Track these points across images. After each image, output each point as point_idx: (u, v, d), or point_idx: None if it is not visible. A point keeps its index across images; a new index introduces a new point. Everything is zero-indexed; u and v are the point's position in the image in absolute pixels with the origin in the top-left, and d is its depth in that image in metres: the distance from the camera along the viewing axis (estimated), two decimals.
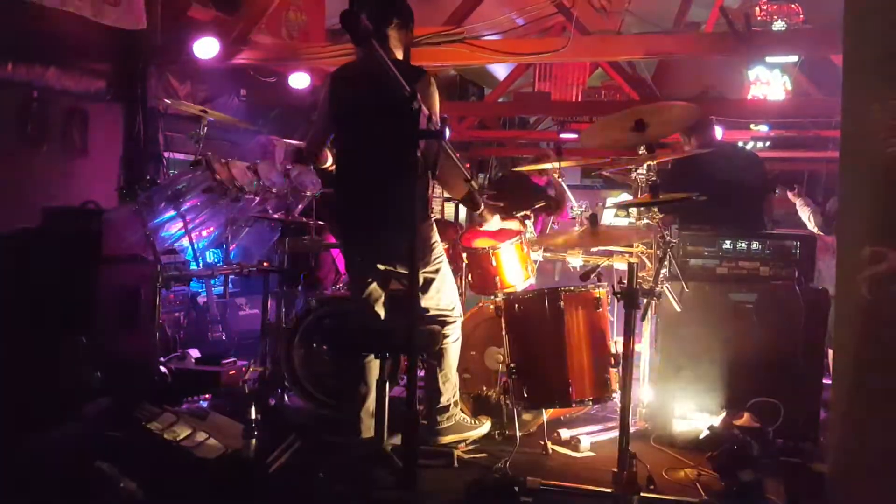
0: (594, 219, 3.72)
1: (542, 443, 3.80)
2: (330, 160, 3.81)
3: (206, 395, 4.49)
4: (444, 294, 3.72)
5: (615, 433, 3.74)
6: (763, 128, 9.68)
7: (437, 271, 3.68)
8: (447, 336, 3.72)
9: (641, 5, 5.47)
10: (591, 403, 3.97)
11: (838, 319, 2.71)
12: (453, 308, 3.77)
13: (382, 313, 3.75)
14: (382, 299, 3.76)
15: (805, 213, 6.61)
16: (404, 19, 3.60)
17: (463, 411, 3.92)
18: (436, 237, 3.70)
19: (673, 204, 3.78)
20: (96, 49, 5.56)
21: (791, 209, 7.03)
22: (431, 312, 3.68)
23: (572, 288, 3.86)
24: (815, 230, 6.44)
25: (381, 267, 3.64)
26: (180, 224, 4.09)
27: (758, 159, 5.24)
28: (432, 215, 3.79)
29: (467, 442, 3.80)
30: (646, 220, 3.95)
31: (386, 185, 3.44)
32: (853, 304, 2.53)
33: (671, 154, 4.57)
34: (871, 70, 2.49)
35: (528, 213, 4.40)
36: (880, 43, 2.48)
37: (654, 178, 3.83)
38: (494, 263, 4.05)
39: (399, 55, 3.62)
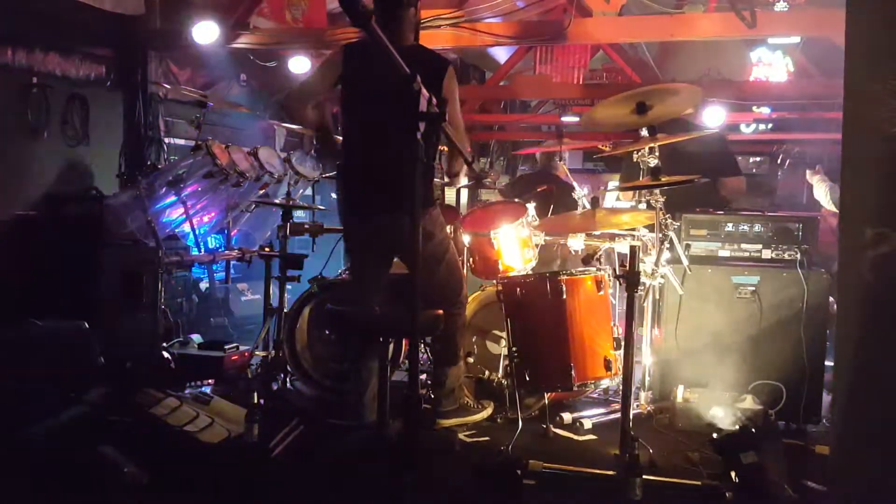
0: (596, 202, 3.71)
1: (545, 426, 3.81)
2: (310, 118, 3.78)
3: (209, 381, 4.51)
4: (451, 276, 3.72)
5: (617, 416, 3.76)
6: (765, 109, 9.63)
7: (445, 252, 3.68)
8: (451, 320, 3.72)
9: None
10: (592, 386, 3.98)
11: (840, 301, 2.71)
12: (459, 291, 3.78)
13: (384, 297, 3.75)
14: (384, 282, 3.75)
15: (822, 189, 6.49)
16: (416, 1, 3.58)
17: (466, 395, 3.93)
18: (441, 219, 3.70)
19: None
20: (96, 34, 5.54)
21: (795, 191, 6.98)
22: (438, 294, 3.68)
23: (574, 272, 3.86)
24: (832, 207, 6.33)
25: (385, 249, 3.64)
26: (181, 210, 4.09)
27: (718, 141, 5.11)
28: (437, 199, 3.79)
29: (470, 425, 3.82)
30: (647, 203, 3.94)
31: (391, 167, 3.43)
32: (855, 285, 2.53)
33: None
34: (874, 50, 2.48)
35: (528, 196, 4.40)
36: (883, 23, 2.46)
37: (656, 161, 3.81)
38: (496, 247, 4.05)
39: (411, 37, 3.60)
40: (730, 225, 4.11)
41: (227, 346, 4.74)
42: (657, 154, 3.66)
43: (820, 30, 5.63)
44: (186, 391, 4.12)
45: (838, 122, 2.91)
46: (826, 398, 3.88)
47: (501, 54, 10.18)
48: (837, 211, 5.89)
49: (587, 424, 3.85)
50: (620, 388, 3.83)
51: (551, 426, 3.82)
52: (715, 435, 3.37)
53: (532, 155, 6.62)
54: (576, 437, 3.79)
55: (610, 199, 9.09)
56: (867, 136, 2.50)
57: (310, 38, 6.26)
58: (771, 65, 9.73)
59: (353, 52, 3.59)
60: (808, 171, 6.72)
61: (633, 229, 4.02)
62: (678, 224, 4.12)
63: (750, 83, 9.16)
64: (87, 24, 5.43)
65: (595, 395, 4.39)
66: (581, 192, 4.36)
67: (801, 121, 9.78)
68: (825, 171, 6.69)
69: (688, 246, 4.09)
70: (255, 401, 3.43)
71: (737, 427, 3.34)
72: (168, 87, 5.77)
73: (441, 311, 3.56)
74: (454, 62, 10.21)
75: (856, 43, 2.54)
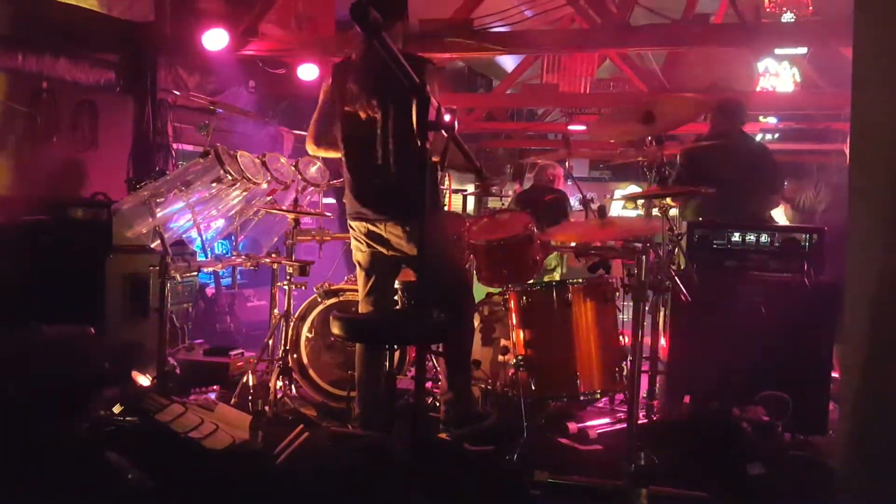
0: (602, 210, 3.71)
1: (550, 435, 3.79)
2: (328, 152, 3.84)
3: (214, 387, 4.51)
4: (457, 283, 3.72)
5: (623, 426, 3.75)
6: (772, 119, 9.64)
7: (451, 258, 3.69)
8: (458, 327, 3.72)
9: None
10: (599, 396, 3.96)
11: (847, 312, 2.69)
12: (466, 298, 3.77)
13: (391, 303, 3.76)
14: (391, 289, 3.76)
15: (779, 209, 6.51)
16: (405, 12, 3.60)
17: (471, 404, 3.92)
18: (445, 224, 3.71)
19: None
20: (106, 40, 5.57)
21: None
22: (445, 301, 3.67)
23: (580, 280, 3.86)
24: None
25: (390, 255, 3.64)
26: (189, 215, 4.09)
27: (767, 156, 5.15)
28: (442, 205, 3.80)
29: (475, 434, 3.80)
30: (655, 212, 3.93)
31: (396, 175, 3.45)
32: (862, 296, 2.52)
33: (679, 146, 4.56)
34: (882, 58, 2.47)
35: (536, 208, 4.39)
36: (890, 32, 2.46)
37: (663, 170, 3.81)
38: (502, 255, 4.03)
39: (399, 47, 3.62)
40: (737, 235, 4.10)
41: (232, 352, 4.74)
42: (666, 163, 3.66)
43: (827, 41, 5.62)
44: (191, 397, 4.12)
45: (845, 132, 2.91)
46: (833, 409, 3.86)
47: (509, 63, 10.21)
48: None
49: (593, 434, 3.83)
50: (627, 397, 3.82)
51: (557, 435, 3.80)
52: (722, 446, 3.36)
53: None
54: (581, 447, 3.77)
55: (616, 208, 9.06)
56: (875, 145, 2.49)
57: (318, 46, 6.30)
58: (778, 75, 9.75)
59: (343, 71, 3.63)
60: None
61: (641, 238, 4.01)
62: (685, 233, 4.11)
63: (757, 93, 9.16)
64: (98, 30, 5.46)
65: (601, 405, 4.37)
66: (577, 198, 4.35)
67: (808, 131, 9.78)
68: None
69: (695, 254, 4.08)
70: (260, 407, 3.43)
71: (744, 438, 3.32)
72: (177, 93, 5.79)
73: (451, 318, 3.57)
74: (461, 70, 10.27)
75: (863, 52, 2.54)
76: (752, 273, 4.05)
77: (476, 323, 4.16)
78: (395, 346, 3.39)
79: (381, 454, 3.31)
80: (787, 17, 8.77)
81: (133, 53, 5.81)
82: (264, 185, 4.38)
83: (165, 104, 6.00)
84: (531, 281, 4.05)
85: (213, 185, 4.14)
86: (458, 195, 6.28)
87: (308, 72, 6.41)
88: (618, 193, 10.64)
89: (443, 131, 2.35)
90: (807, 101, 8.81)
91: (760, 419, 3.65)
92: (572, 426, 3.92)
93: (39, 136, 5.12)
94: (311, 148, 3.86)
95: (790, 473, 3.37)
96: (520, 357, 3.79)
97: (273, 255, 4.53)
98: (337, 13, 7.42)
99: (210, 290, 6.17)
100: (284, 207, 4.49)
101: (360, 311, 3.82)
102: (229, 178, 4.11)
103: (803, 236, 4.06)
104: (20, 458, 3.18)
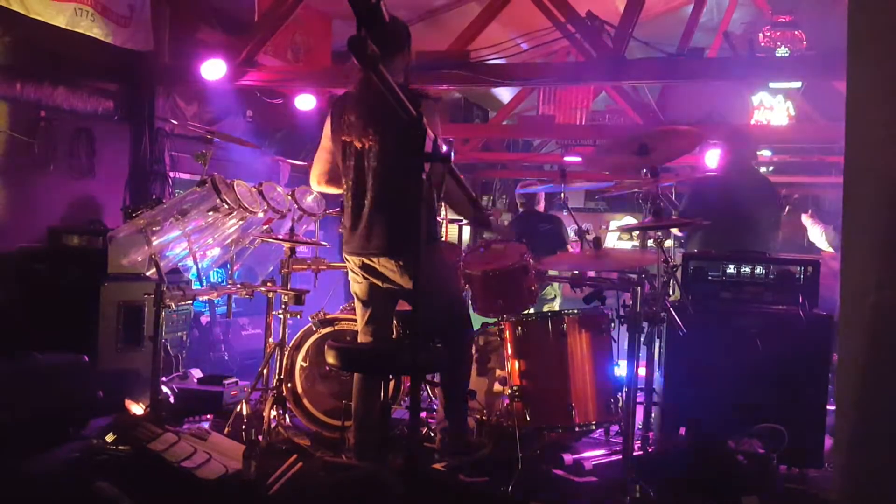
0: (598, 242, 3.73)
1: (545, 467, 3.77)
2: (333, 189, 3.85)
3: (208, 416, 4.48)
4: (455, 314, 3.72)
5: (618, 457, 3.73)
6: (766, 153, 9.71)
7: (449, 290, 3.69)
8: (456, 357, 3.71)
9: (645, 30, 5.50)
10: (594, 427, 3.94)
11: (842, 345, 2.70)
12: (464, 329, 3.78)
13: (390, 333, 3.76)
14: (390, 319, 3.76)
15: (817, 231, 6.49)
16: (406, 45, 3.64)
17: (467, 434, 3.90)
18: (443, 256, 3.72)
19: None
20: (105, 69, 5.62)
21: (795, 234, 6.96)
22: (442, 333, 3.67)
23: (576, 311, 3.86)
24: (829, 248, 6.31)
25: (386, 286, 3.65)
26: (185, 244, 4.10)
27: (772, 191, 5.18)
28: (440, 238, 3.81)
29: (469, 465, 3.77)
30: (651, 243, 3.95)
31: (389, 208, 3.46)
32: (857, 330, 2.52)
33: (675, 177, 4.60)
34: (875, 93, 2.50)
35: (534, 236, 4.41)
36: (884, 67, 2.49)
37: (658, 202, 3.83)
38: (498, 286, 4.04)
39: (400, 79, 3.65)
40: (731, 267, 4.11)
41: (226, 381, 4.72)
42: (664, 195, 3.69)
43: (821, 76, 5.69)
44: (185, 426, 4.09)
45: (839, 166, 2.93)
46: (828, 442, 3.85)
47: (505, 94, 10.29)
48: (834, 252, 5.89)
49: (588, 466, 3.81)
50: (622, 428, 3.81)
51: (552, 467, 3.78)
52: (718, 478, 3.34)
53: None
54: (576, 479, 3.75)
55: (611, 239, 9.09)
56: (869, 180, 2.51)
57: (315, 77, 6.36)
58: (772, 108, 9.84)
59: (342, 105, 3.66)
60: (802, 215, 6.75)
61: (636, 269, 4.03)
62: (681, 264, 4.12)
63: (751, 126, 9.24)
64: (97, 59, 5.50)
65: (596, 436, 4.35)
66: (573, 229, 4.38)
67: (802, 164, 9.85)
68: (820, 214, 6.72)
69: (690, 286, 4.09)
70: (254, 437, 3.41)
71: (739, 471, 3.30)
72: (175, 121, 5.82)
73: (447, 348, 3.57)
74: (458, 101, 10.35)
75: (857, 88, 2.57)
76: (748, 305, 4.06)
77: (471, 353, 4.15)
78: (391, 376, 3.38)
79: (376, 485, 3.29)
80: (782, 51, 8.88)
81: (131, 82, 5.85)
82: (260, 214, 4.39)
83: (163, 133, 6.03)
84: (527, 311, 4.05)
85: (210, 213, 4.15)
86: (454, 225, 6.30)
87: (305, 102, 6.46)
88: (613, 224, 10.66)
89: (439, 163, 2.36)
90: (801, 134, 8.89)
91: (756, 452, 3.63)
92: (567, 457, 3.90)
93: (37, 164, 5.14)
94: (315, 185, 3.86)
95: None
96: (515, 388, 3.78)
97: (268, 284, 4.53)
98: (334, 44, 7.51)
99: (205, 319, 6.15)
100: (280, 236, 4.50)
101: (359, 340, 3.81)
102: (226, 206, 4.13)
103: (798, 268, 4.08)
104: (12, 486, 3.15)
